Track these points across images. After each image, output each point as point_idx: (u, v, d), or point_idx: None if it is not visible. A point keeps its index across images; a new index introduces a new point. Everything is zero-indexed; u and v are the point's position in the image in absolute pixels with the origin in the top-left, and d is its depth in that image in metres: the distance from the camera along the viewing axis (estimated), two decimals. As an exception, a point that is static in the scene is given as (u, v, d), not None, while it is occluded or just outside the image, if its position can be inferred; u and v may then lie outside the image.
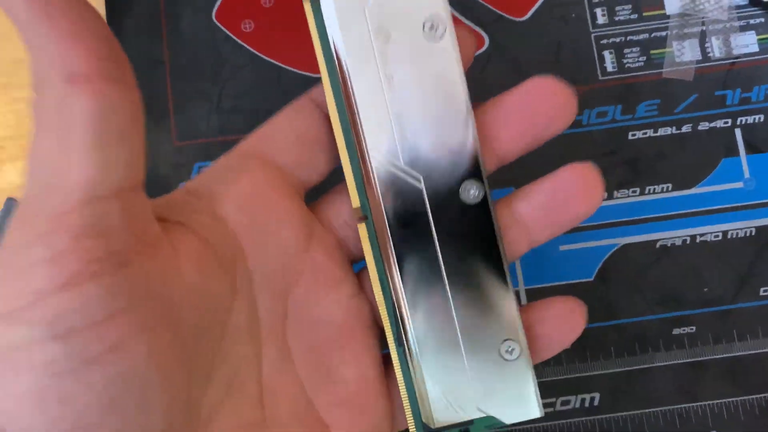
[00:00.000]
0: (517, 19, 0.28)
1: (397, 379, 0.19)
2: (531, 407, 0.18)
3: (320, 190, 0.20)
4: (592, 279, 0.27)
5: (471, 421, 0.18)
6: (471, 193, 0.18)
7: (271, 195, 0.18)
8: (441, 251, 0.18)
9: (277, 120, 0.19)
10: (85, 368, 0.13)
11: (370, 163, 0.18)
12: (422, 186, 0.18)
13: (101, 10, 0.29)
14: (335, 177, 0.19)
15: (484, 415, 0.18)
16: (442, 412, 0.18)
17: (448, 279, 0.18)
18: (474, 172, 0.18)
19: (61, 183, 0.13)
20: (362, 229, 0.18)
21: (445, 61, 0.18)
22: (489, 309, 0.18)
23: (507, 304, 0.18)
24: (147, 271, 0.14)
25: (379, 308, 0.19)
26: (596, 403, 0.26)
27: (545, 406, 0.26)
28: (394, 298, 0.18)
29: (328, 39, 0.18)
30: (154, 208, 0.16)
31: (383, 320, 0.19)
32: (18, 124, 0.28)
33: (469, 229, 0.18)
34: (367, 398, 0.19)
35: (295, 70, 0.28)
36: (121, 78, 0.14)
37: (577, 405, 0.26)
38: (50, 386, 0.13)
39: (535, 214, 0.19)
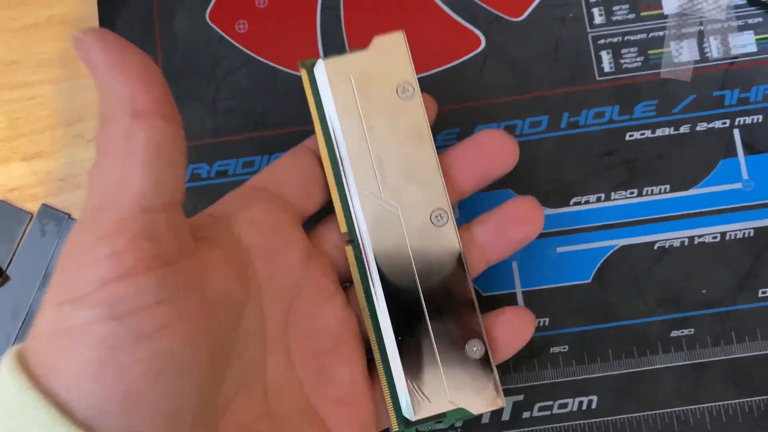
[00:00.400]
0: (514, 20, 0.28)
1: (380, 379, 0.22)
2: (494, 399, 0.21)
3: (312, 223, 0.23)
4: (589, 281, 0.26)
5: (444, 414, 0.21)
6: (439, 219, 0.22)
7: (277, 220, 0.21)
8: (416, 267, 0.22)
9: (279, 162, 0.23)
10: (136, 344, 0.15)
11: (356, 196, 0.22)
12: (399, 213, 0.22)
13: (93, 10, 0.28)
14: (323, 212, 0.23)
15: (456, 408, 0.21)
16: (419, 407, 0.21)
17: (421, 290, 0.22)
18: (441, 202, 0.22)
19: (122, 196, 0.16)
20: (349, 251, 0.22)
21: (414, 114, 0.22)
22: (456, 314, 0.22)
23: (471, 309, 0.22)
24: (186, 271, 0.17)
25: (364, 317, 0.22)
26: (594, 406, 0.26)
27: (543, 408, 0.26)
28: (376, 307, 0.22)
29: (320, 99, 0.22)
30: None
31: (367, 327, 0.22)
32: (10, 126, 0.28)
33: (438, 247, 0.22)
34: (358, 398, 0.22)
35: (291, 71, 0.28)
36: (173, 117, 0.17)
37: (575, 408, 0.26)
38: (107, 358, 0.15)
39: (489, 237, 0.23)
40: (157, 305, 0.16)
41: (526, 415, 0.26)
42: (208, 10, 0.28)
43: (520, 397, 0.26)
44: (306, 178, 0.22)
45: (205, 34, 0.28)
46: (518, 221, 0.23)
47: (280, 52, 0.28)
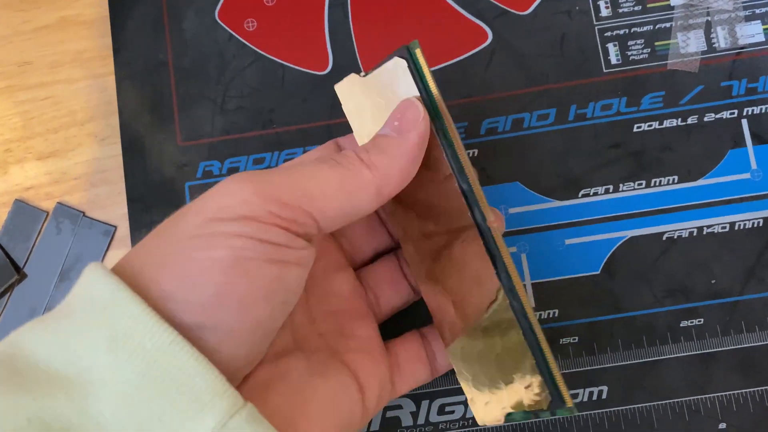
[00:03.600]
0: (521, 14, 0.28)
1: (539, 368, 0.21)
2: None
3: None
4: (598, 272, 0.27)
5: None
6: None
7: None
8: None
9: (311, 154, 0.24)
10: (265, 263, 0.18)
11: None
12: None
13: (104, 12, 0.29)
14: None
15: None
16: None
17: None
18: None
19: (316, 203, 0.19)
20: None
21: None
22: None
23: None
24: (307, 250, 0.20)
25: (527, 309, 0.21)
26: (604, 396, 0.26)
27: (553, 400, 0.26)
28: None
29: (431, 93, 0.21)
30: None
31: (532, 319, 0.21)
32: (24, 126, 0.28)
33: None
34: (376, 351, 0.23)
35: (299, 68, 0.28)
36: (384, 199, 0.20)
37: (585, 398, 0.26)
38: (241, 261, 0.18)
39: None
40: (287, 247, 0.18)
41: (536, 405, 0.26)
42: (217, 9, 0.29)
43: (531, 388, 0.26)
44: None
45: (214, 33, 0.28)
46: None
47: (288, 50, 0.28)
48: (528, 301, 0.21)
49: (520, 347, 0.21)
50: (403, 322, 0.25)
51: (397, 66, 0.21)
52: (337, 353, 0.23)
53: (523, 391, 0.21)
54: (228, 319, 0.17)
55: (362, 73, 0.22)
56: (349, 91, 0.23)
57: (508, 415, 0.22)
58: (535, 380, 0.21)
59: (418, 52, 0.21)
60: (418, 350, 0.24)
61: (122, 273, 0.18)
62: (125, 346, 0.16)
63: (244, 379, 0.19)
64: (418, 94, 0.21)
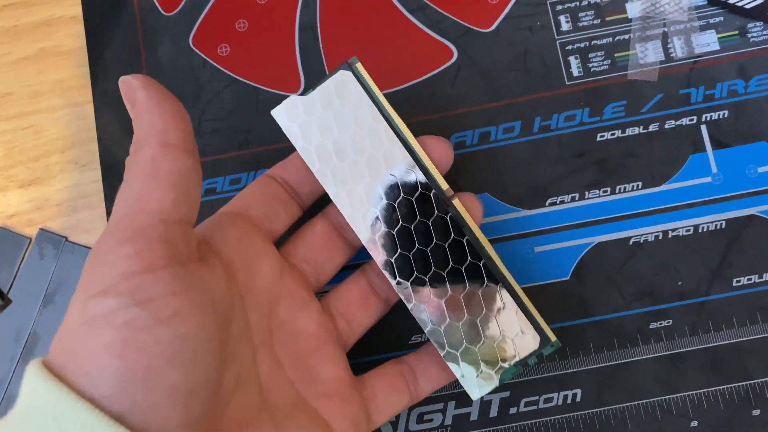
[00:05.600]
0: (484, 31, 0.29)
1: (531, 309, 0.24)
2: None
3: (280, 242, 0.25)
4: (568, 278, 0.27)
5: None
6: None
7: (249, 237, 0.23)
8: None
9: (246, 190, 0.25)
10: (156, 327, 0.17)
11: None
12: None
13: (81, 43, 0.30)
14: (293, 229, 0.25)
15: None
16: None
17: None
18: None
19: (144, 208, 0.19)
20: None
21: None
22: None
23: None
24: (195, 272, 0.19)
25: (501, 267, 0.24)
26: (578, 399, 0.27)
27: (529, 404, 0.27)
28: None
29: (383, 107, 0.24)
30: None
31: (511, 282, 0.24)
32: (7, 155, 0.29)
33: None
34: (345, 392, 0.24)
35: (272, 90, 0.29)
36: (194, 152, 0.20)
37: (560, 402, 0.27)
38: (129, 338, 0.17)
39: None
40: (172, 295, 0.18)
41: (512, 410, 0.27)
42: (191, 36, 0.29)
43: (507, 394, 0.27)
44: (270, 201, 0.24)
45: (189, 60, 0.29)
46: None
47: (261, 73, 0.29)
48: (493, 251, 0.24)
49: (501, 302, 0.24)
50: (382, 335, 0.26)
51: (345, 78, 0.24)
52: (308, 401, 0.23)
53: (511, 342, 0.24)
54: (140, 398, 0.17)
55: (299, 93, 0.24)
56: (291, 111, 0.24)
57: (504, 373, 0.24)
58: (523, 324, 0.24)
59: (359, 66, 0.24)
60: (394, 379, 0.25)
61: (53, 369, 0.17)
62: None
63: None
64: (368, 100, 0.24)
